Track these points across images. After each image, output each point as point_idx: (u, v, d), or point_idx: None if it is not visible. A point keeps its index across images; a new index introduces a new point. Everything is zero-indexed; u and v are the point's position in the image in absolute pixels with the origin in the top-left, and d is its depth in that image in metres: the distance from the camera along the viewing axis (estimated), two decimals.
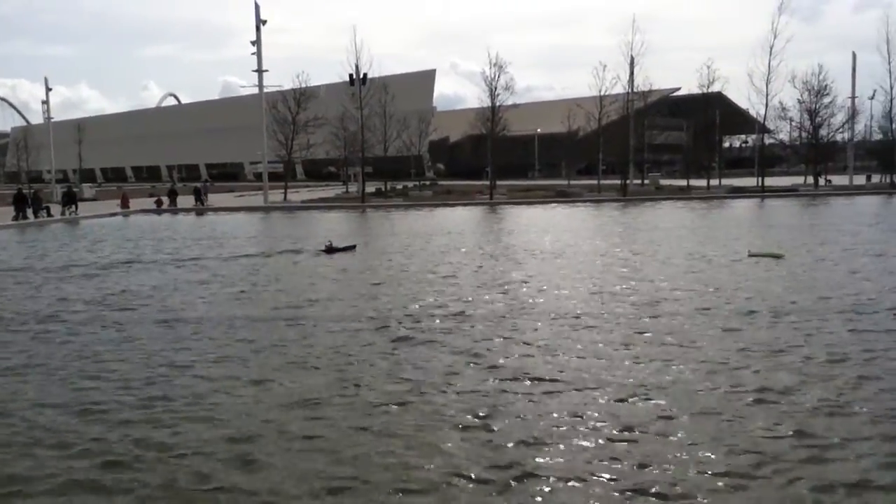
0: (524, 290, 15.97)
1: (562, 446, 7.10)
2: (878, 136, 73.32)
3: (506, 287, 16.33)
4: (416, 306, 14.23)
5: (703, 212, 41.68)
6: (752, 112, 67.86)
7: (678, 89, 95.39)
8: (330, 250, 23.55)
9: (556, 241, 26.27)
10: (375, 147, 61.69)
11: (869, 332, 11.40)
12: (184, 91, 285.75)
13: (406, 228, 33.53)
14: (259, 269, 20.78)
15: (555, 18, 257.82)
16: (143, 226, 38.37)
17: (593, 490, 6.20)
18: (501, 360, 10.13)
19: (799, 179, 71.43)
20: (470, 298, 14.94)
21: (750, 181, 67.47)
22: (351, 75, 58.08)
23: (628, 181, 61.07)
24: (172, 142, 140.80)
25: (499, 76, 55.96)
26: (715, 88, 66.90)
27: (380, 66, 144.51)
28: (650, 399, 8.40)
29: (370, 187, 61.54)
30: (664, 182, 71.86)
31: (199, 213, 49.59)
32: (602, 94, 59.91)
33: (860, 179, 71.30)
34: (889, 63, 60.60)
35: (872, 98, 70.65)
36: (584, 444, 7.16)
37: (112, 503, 6.23)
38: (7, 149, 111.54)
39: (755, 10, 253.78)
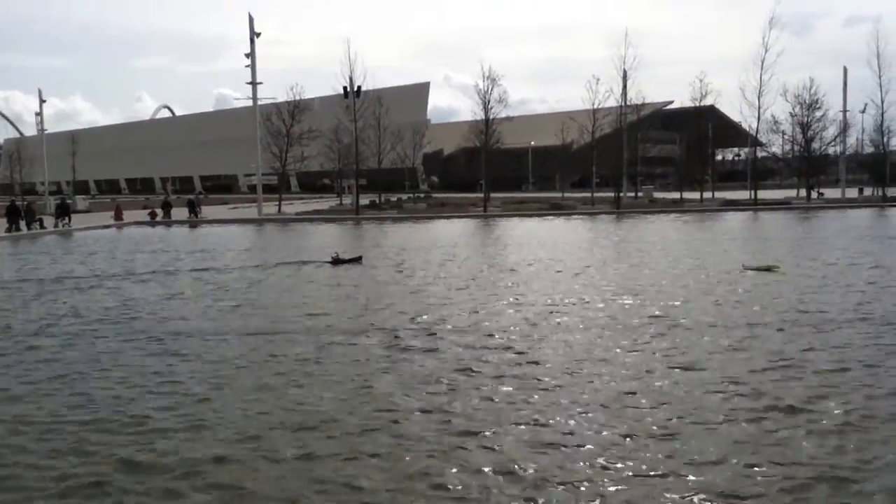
0: (556, 305, 15.85)
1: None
2: (869, 150, 73.92)
3: (532, 307, 16.02)
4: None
5: (696, 225, 41.80)
6: (745, 125, 68.36)
7: (671, 103, 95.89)
8: (336, 262, 23.50)
9: (562, 254, 26.25)
10: (370, 159, 61.77)
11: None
12: (178, 103, 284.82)
13: (405, 240, 33.51)
14: (264, 280, 20.88)
15: (548, 32, 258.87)
16: (137, 238, 38.25)
17: None
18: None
19: (791, 192, 71.77)
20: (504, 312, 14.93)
21: (743, 194, 67.74)
22: (345, 88, 58.25)
23: (622, 194, 61.24)
24: (166, 154, 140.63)
25: (492, 89, 56.37)
26: (707, 102, 67.31)
27: (374, 78, 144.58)
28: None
29: (364, 199, 61.54)
30: (657, 195, 72.15)
31: (193, 225, 49.47)
32: (595, 107, 60.22)
33: (852, 192, 71.64)
34: (880, 77, 61.10)
35: (864, 112, 71.12)
36: None
37: None
38: (0, 161, 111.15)
39: (746, 25, 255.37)
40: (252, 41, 54.35)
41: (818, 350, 11.23)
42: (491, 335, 12.67)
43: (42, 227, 43.77)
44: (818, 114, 64.96)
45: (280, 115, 60.35)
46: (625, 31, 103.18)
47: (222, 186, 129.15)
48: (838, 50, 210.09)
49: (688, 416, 8.27)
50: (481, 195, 60.46)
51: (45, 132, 71.52)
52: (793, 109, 65.12)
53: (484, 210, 55.11)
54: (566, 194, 73.59)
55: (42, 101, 70.76)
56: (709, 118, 72.01)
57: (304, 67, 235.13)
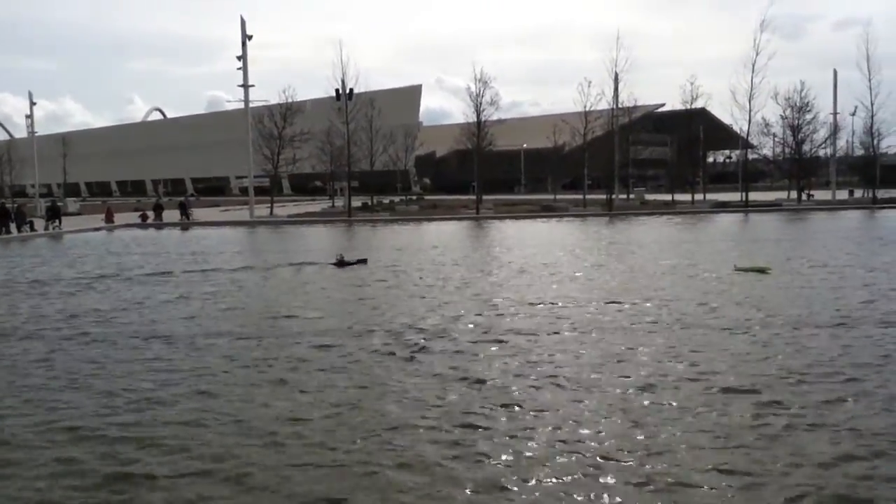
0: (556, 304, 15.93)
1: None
2: (859, 152, 74.30)
3: (541, 301, 16.26)
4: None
5: (688, 227, 41.95)
6: (736, 128, 68.55)
7: (662, 105, 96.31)
8: (341, 264, 23.48)
9: (558, 255, 26.29)
10: (362, 161, 61.72)
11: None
12: (169, 105, 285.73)
13: (399, 242, 33.49)
14: (270, 280, 21.01)
15: (540, 34, 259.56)
16: (128, 241, 38.12)
17: None
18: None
19: (782, 194, 72.06)
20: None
21: (734, 196, 67.98)
22: (337, 90, 58.23)
23: (613, 196, 61.38)
24: (158, 156, 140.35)
25: (484, 91, 56.43)
26: (698, 104, 67.55)
27: (366, 80, 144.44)
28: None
29: (356, 202, 61.53)
30: (649, 197, 72.36)
31: (185, 227, 49.35)
32: (587, 109, 60.33)
33: (843, 194, 72.03)
34: (869, 80, 61.31)
35: (854, 114, 71.54)
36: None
37: None
38: None
39: (738, 28, 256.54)
40: (244, 44, 54.28)
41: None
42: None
43: (32, 229, 43.61)
44: (808, 116, 65.44)
45: (272, 117, 60.33)
46: (616, 33, 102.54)
47: (214, 189, 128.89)
48: (828, 53, 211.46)
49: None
50: (473, 197, 60.51)
51: (36, 134, 71.31)
52: (783, 112, 65.59)
53: (476, 212, 55.18)
54: (558, 196, 73.80)
55: (32, 104, 70.57)
56: (700, 120, 72.29)
57: (296, 70, 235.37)
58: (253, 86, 55.55)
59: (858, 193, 71.92)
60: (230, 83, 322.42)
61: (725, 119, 76.18)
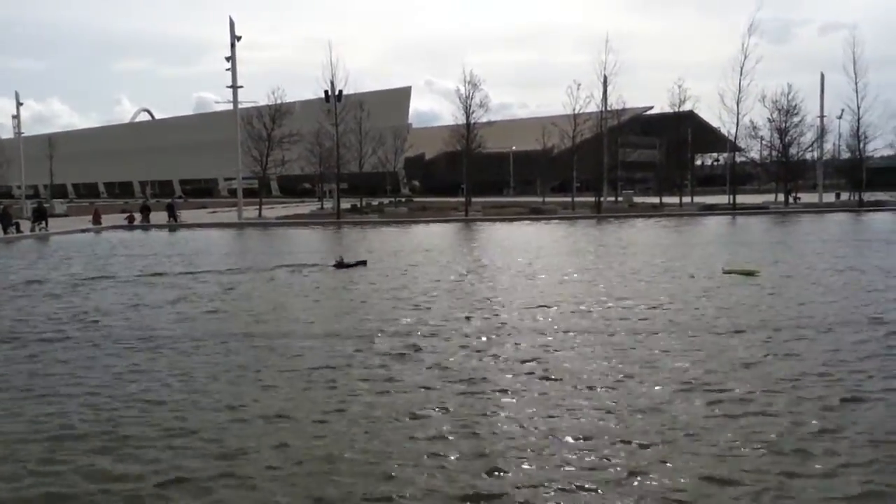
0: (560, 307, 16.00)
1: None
2: (846, 155, 74.72)
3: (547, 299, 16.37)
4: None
5: (676, 229, 42.11)
6: (724, 130, 68.89)
7: (651, 108, 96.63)
8: (340, 265, 23.42)
9: (553, 259, 26.34)
10: (351, 163, 61.62)
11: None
12: (157, 106, 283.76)
13: (395, 245, 33.40)
14: (268, 283, 20.87)
15: (529, 37, 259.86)
16: (115, 242, 37.86)
17: None
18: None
19: (770, 197, 72.43)
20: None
21: (721, 199, 68.33)
22: (326, 92, 58.15)
23: (602, 199, 61.57)
24: (145, 157, 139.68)
25: (474, 94, 56.56)
26: (686, 107, 67.94)
27: (355, 82, 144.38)
28: None
29: (345, 203, 61.39)
30: (637, 200, 72.56)
31: (172, 229, 49.09)
32: (576, 112, 60.53)
33: (829, 197, 72.50)
34: (856, 83, 61.91)
35: (840, 117, 72.07)
36: None
37: None
38: None
39: (726, 32, 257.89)
40: (233, 45, 54.09)
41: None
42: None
43: (19, 231, 43.26)
44: (796, 119, 65.80)
45: (261, 118, 60.10)
46: (605, 36, 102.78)
47: (202, 190, 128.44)
48: (815, 56, 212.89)
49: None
50: (462, 199, 60.55)
51: (23, 135, 70.74)
52: (771, 115, 65.93)
53: (465, 214, 55.23)
54: (547, 199, 73.88)
55: (19, 104, 70.04)
56: (688, 123, 72.64)
57: (285, 71, 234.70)
58: (242, 87, 55.44)
59: (845, 196, 72.39)
60: (219, 84, 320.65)
61: (713, 122, 76.75)
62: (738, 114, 61.00)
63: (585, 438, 7.72)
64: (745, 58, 59.29)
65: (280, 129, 60.55)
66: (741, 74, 59.45)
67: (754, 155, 74.62)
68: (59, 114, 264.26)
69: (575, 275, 21.48)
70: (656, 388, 9.51)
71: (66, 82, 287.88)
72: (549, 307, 15.80)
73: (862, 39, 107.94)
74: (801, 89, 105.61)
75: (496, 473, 6.88)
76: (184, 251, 31.55)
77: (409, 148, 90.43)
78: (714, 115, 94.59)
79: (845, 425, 8.04)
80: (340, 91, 57.98)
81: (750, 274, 20.44)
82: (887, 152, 78.78)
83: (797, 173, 71.62)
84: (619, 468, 6.92)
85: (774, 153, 68.28)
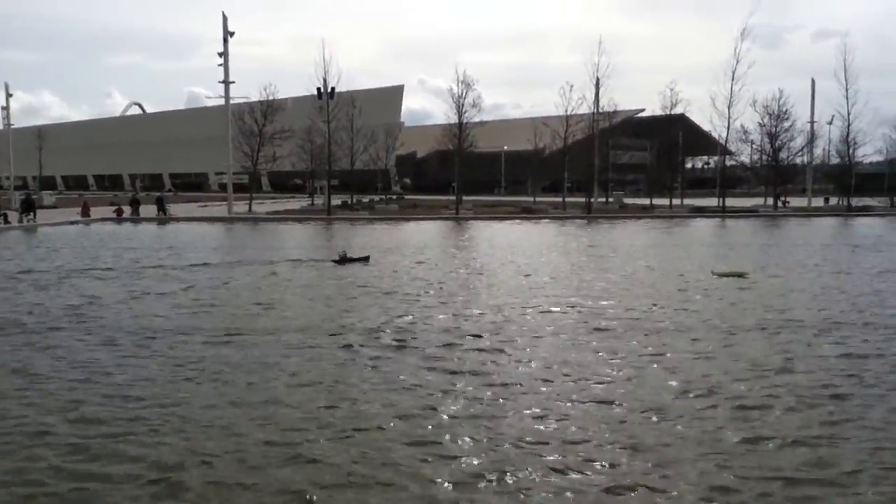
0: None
1: None
2: (835, 160, 74.99)
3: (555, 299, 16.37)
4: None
5: (666, 231, 42.22)
6: (715, 134, 68.96)
7: (643, 110, 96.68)
8: (343, 260, 23.38)
9: (548, 259, 26.41)
10: (342, 160, 61.53)
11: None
12: (149, 100, 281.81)
13: (389, 241, 33.35)
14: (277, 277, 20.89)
15: (523, 37, 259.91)
16: (103, 235, 37.70)
17: None
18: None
19: (759, 201, 72.70)
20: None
21: (711, 201, 68.49)
22: (319, 88, 58.01)
23: (592, 199, 61.66)
24: (136, 151, 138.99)
25: (466, 93, 56.52)
26: (678, 110, 68.02)
27: (348, 80, 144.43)
28: None
29: (336, 200, 61.27)
30: (628, 201, 72.67)
31: (161, 222, 48.89)
32: (568, 113, 60.60)
33: (818, 202, 72.81)
34: (846, 90, 62.07)
35: (830, 123, 72.31)
36: None
37: None
38: None
39: (719, 36, 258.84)
40: (225, 40, 53.92)
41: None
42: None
43: (6, 222, 43.03)
44: (786, 124, 66.02)
45: (252, 114, 59.94)
46: (598, 38, 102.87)
47: (192, 184, 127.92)
48: (807, 63, 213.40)
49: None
50: (453, 198, 60.53)
51: (12, 127, 70.25)
52: (762, 119, 66.15)
53: (456, 213, 55.22)
54: (538, 199, 73.91)
55: (9, 95, 69.58)
56: (679, 126, 72.74)
57: (277, 67, 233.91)
58: (234, 82, 55.30)
59: (833, 201, 72.76)
60: (210, 79, 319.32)
61: (704, 125, 76.85)
62: (729, 118, 61.26)
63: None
64: (738, 62, 59.50)
65: (272, 124, 60.45)
66: (733, 79, 59.68)
67: (744, 159, 75.00)
68: (50, 106, 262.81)
69: (572, 276, 21.54)
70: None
71: (57, 74, 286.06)
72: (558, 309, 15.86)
73: (853, 46, 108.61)
74: (791, 95, 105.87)
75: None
76: (173, 244, 31.41)
77: (400, 146, 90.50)
78: (705, 118, 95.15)
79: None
80: (333, 88, 57.91)
81: (740, 276, 20.54)
82: (876, 158, 79.34)
83: (787, 178, 71.94)
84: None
85: (764, 157, 68.58)
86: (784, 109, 65.05)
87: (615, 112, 68.46)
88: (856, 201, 64.79)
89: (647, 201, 68.35)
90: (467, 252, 28.88)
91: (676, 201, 66.18)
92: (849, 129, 63.89)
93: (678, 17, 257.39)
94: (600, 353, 11.39)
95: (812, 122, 69.83)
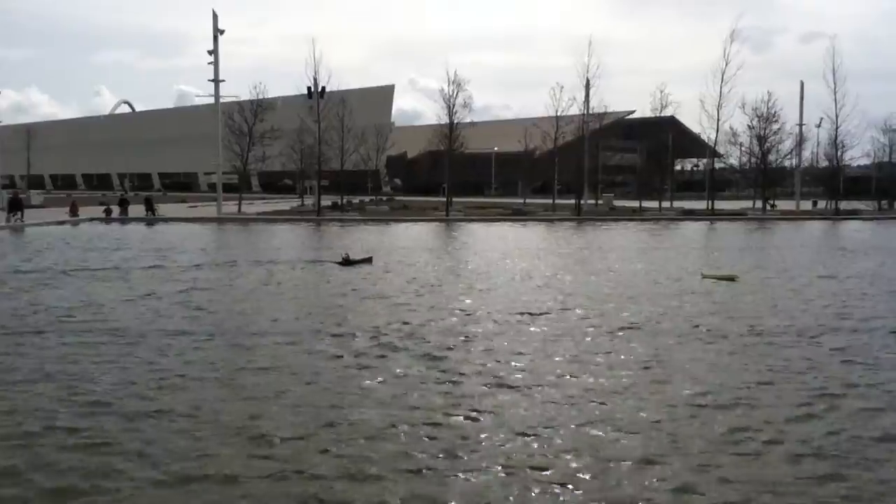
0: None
1: None
2: (824, 163, 75.42)
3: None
4: None
5: (655, 233, 42.32)
6: (704, 136, 69.38)
7: (633, 112, 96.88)
8: (346, 262, 23.37)
9: (547, 262, 26.43)
10: (332, 161, 61.33)
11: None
12: (138, 99, 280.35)
13: (385, 242, 33.31)
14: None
15: (513, 39, 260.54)
16: (91, 235, 37.45)
17: None
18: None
19: (747, 203, 73.03)
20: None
21: (700, 204, 68.72)
22: (309, 88, 57.83)
23: (582, 201, 61.75)
24: (125, 150, 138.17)
25: (457, 94, 56.52)
26: (668, 112, 68.27)
27: (338, 79, 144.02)
28: None
29: (326, 201, 61.08)
30: (617, 203, 72.83)
31: (150, 223, 48.62)
32: (558, 114, 60.65)
33: (807, 204, 73.17)
34: (835, 93, 62.38)
35: (819, 126, 72.65)
36: None
37: None
38: None
39: (708, 39, 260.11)
40: (215, 38, 53.71)
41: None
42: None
43: None
44: (775, 127, 66.34)
45: (242, 113, 59.65)
46: (588, 40, 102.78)
47: (182, 184, 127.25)
48: (795, 65, 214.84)
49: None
50: (444, 199, 60.48)
51: (0, 124, 69.88)
52: (751, 122, 66.44)
53: (446, 214, 55.16)
54: (528, 200, 73.94)
55: None
56: (669, 128, 72.96)
57: (267, 67, 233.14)
58: (224, 81, 55.14)
59: (822, 204, 73.13)
60: (200, 78, 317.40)
61: (694, 128, 77.25)
62: (718, 120, 61.62)
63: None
64: (727, 65, 59.85)
65: (261, 124, 60.09)
66: (722, 81, 60.03)
67: (734, 161, 75.30)
68: (38, 104, 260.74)
69: (568, 276, 21.56)
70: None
71: (45, 72, 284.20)
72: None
73: (841, 49, 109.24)
74: (780, 97, 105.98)
75: None
76: (164, 245, 31.25)
77: (391, 146, 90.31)
78: (695, 120, 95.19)
79: None
80: (323, 88, 57.73)
81: (729, 279, 20.58)
82: (864, 161, 79.79)
83: (775, 180, 72.27)
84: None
85: (753, 160, 68.87)
86: (773, 112, 65.44)
87: (605, 114, 68.60)
88: (844, 204, 65.14)
89: (636, 203, 68.53)
90: (470, 255, 28.78)
91: (666, 203, 66.39)
92: (837, 131, 64.27)
93: (668, 20, 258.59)
94: (597, 357, 11.40)
95: (801, 125, 70.37)
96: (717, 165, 75.94)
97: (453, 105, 56.44)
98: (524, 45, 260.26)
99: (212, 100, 56.88)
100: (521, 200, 75.41)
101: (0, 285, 19.15)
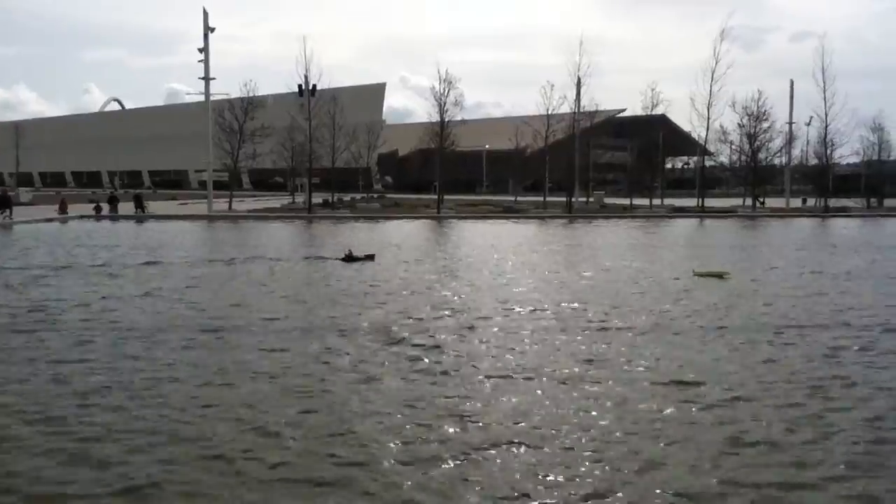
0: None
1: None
2: (813, 161, 75.70)
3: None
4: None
5: (646, 231, 42.45)
6: (694, 135, 69.66)
7: (623, 110, 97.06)
8: (349, 259, 23.35)
9: (546, 259, 26.48)
10: (323, 158, 61.22)
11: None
12: (128, 96, 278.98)
13: (380, 239, 33.27)
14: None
15: (505, 37, 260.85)
16: (81, 232, 37.25)
17: None
18: None
19: (737, 201, 73.33)
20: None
21: (690, 202, 68.93)
22: (300, 86, 57.70)
23: (573, 199, 61.88)
24: (115, 148, 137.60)
25: (448, 92, 56.54)
26: (659, 111, 68.53)
27: (329, 77, 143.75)
28: None
29: (317, 198, 61.02)
30: (608, 201, 73.00)
31: (140, 220, 48.45)
32: (549, 113, 60.69)
33: (796, 202, 73.46)
34: (824, 91, 62.67)
35: (809, 124, 73.04)
36: None
37: None
38: None
39: (699, 37, 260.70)
40: (206, 36, 53.61)
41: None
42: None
43: None
44: (765, 125, 66.63)
45: (233, 111, 59.46)
46: (580, 38, 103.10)
47: (172, 182, 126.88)
48: (785, 64, 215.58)
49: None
50: (435, 197, 60.47)
51: None
52: (741, 120, 66.68)
53: (437, 212, 55.17)
54: (519, 198, 74.04)
55: None
56: (660, 127, 73.16)
57: (258, 64, 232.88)
58: (214, 79, 55.15)
59: (811, 202, 73.46)
60: (190, 76, 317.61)
61: (684, 126, 77.60)
62: (708, 118, 61.89)
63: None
64: (717, 63, 60.10)
65: (252, 122, 59.96)
66: (712, 79, 60.28)
67: (724, 159, 75.55)
68: (27, 101, 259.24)
69: (563, 275, 21.61)
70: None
71: (34, 69, 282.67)
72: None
73: (831, 48, 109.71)
74: (771, 96, 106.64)
75: None
76: (153, 243, 31.14)
77: (382, 144, 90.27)
78: (685, 119, 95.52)
79: None
80: (314, 85, 57.59)
81: (721, 276, 20.67)
82: (853, 159, 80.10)
83: (765, 178, 72.57)
84: None
85: (743, 158, 69.14)
86: (763, 110, 65.74)
87: (596, 112, 68.78)
88: (833, 202, 65.47)
89: (627, 201, 68.70)
90: (465, 251, 28.80)
91: (656, 201, 66.59)
92: (826, 130, 64.62)
93: (659, 18, 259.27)
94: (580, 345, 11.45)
95: (790, 123, 70.71)
96: (708, 163, 76.12)
97: (444, 103, 56.56)
98: (516, 43, 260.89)
99: (202, 97, 56.80)
100: (513, 198, 75.50)
101: None
